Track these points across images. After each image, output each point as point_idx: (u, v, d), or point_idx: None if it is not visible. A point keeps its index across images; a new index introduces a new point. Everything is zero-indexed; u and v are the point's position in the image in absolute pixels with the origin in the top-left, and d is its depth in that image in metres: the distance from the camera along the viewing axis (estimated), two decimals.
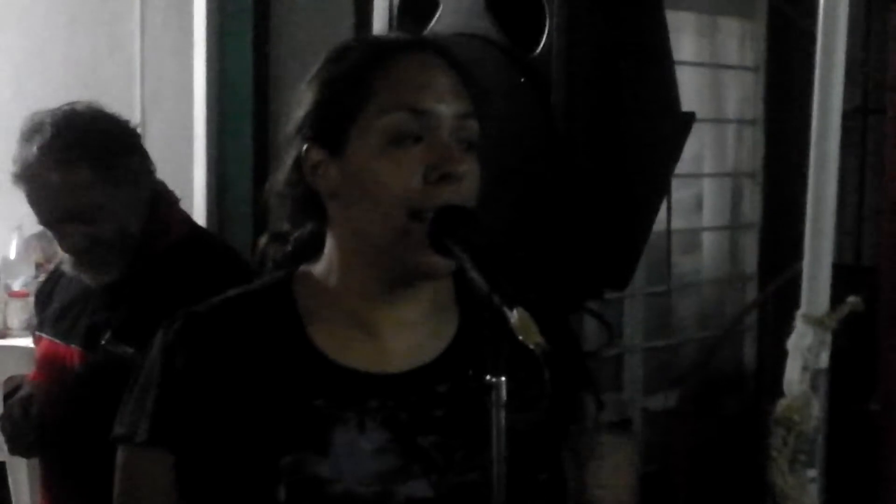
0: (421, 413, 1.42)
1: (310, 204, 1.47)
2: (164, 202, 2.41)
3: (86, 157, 2.25)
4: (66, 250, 2.34)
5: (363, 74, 1.42)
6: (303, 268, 1.50)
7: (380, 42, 1.49)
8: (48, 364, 2.44)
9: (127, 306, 2.32)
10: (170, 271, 2.31)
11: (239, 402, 1.41)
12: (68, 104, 2.34)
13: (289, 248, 1.53)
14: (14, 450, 2.45)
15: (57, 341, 2.42)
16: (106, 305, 2.36)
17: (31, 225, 3.91)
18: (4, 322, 3.83)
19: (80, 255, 2.34)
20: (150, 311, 2.24)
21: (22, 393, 2.41)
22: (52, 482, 2.43)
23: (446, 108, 1.40)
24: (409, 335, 1.46)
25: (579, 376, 1.56)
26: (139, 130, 2.44)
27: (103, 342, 2.30)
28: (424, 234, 1.36)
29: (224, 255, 2.44)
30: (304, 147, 1.44)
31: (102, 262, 2.34)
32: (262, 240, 1.58)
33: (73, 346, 2.37)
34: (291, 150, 1.46)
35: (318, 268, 1.48)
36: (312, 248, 1.50)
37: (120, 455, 1.48)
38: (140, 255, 2.34)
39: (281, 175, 1.47)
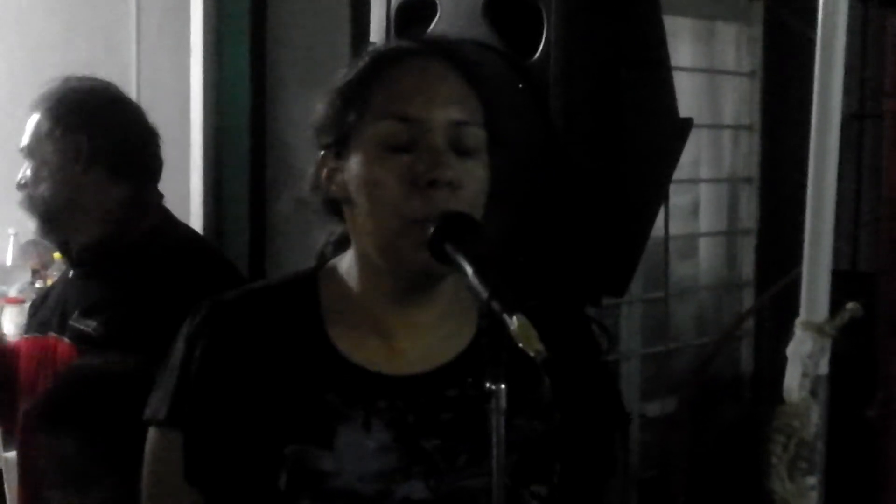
0: (428, 416, 1.44)
1: (332, 208, 1.51)
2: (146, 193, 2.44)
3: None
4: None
5: (365, 82, 1.45)
6: (330, 263, 1.54)
7: (384, 50, 1.51)
8: (28, 356, 2.47)
9: (97, 288, 2.36)
10: (142, 258, 2.35)
11: (253, 389, 1.44)
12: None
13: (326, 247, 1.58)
14: None
15: (36, 335, 2.46)
16: (78, 290, 2.41)
17: (27, 231, 3.94)
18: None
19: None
20: (119, 294, 2.31)
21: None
22: (30, 476, 2.44)
23: (439, 115, 1.42)
24: (424, 338, 1.48)
25: (599, 390, 1.56)
26: None
27: (71, 320, 2.34)
28: (421, 237, 1.38)
29: (197, 246, 2.51)
30: (321, 154, 1.49)
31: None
32: (321, 243, 1.62)
33: (50, 335, 2.41)
34: (315, 157, 1.52)
35: (343, 265, 1.52)
36: (342, 248, 1.54)
37: (148, 436, 1.53)
38: (113, 239, 2.38)
39: (307, 182, 1.52)
